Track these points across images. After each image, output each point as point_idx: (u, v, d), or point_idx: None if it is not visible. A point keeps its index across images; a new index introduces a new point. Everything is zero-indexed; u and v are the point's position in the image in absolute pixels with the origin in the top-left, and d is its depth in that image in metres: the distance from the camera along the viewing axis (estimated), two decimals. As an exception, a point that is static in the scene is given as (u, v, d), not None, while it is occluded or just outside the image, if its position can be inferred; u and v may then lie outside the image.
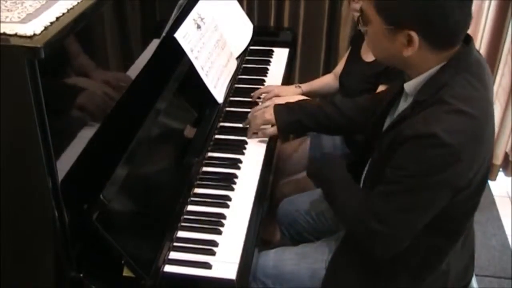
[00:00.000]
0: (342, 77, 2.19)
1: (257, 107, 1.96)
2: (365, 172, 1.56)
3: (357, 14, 1.79)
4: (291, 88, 2.21)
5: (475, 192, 1.37)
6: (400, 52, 1.31)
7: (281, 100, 1.96)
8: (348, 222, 1.49)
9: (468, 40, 1.36)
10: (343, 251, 1.58)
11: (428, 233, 1.39)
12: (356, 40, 2.16)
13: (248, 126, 1.91)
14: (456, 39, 1.31)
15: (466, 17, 1.29)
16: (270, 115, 1.83)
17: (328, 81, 2.33)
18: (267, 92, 2.11)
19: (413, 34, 1.26)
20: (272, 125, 1.85)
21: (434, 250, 1.43)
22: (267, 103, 1.97)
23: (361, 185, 1.56)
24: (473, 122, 1.27)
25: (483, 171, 1.35)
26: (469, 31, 1.36)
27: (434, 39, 1.28)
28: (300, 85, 2.27)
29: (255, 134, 1.89)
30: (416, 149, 1.26)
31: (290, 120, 1.82)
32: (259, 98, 2.12)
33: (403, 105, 1.44)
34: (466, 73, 1.31)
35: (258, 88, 2.15)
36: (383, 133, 1.44)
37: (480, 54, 1.42)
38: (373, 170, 1.42)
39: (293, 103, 1.88)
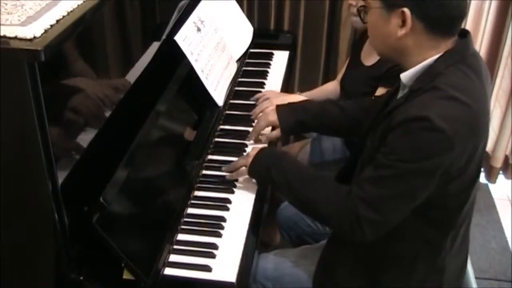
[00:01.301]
0: (343, 81, 2.20)
1: (257, 109, 1.96)
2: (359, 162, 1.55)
3: (354, 13, 1.81)
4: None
5: (467, 184, 1.37)
6: (395, 35, 1.33)
7: (281, 100, 1.96)
8: (333, 216, 1.42)
9: (465, 34, 1.37)
10: (333, 245, 1.58)
11: (419, 224, 1.39)
12: (356, 45, 2.17)
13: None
14: (451, 26, 1.33)
15: (461, 3, 1.31)
16: (273, 116, 1.83)
17: (330, 88, 2.34)
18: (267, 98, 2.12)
19: (406, 10, 1.29)
20: (275, 128, 1.85)
21: (425, 242, 1.43)
22: (265, 103, 1.98)
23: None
24: (467, 109, 1.27)
25: (476, 163, 1.35)
26: (469, 31, 1.38)
27: (427, 20, 1.30)
28: (301, 93, 2.28)
29: (257, 139, 1.89)
30: (408, 133, 1.26)
31: (293, 121, 1.82)
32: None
33: (400, 96, 1.45)
34: (461, 64, 1.32)
35: (258, 91, 2.16)
36: (378, 122, 1.44)
37: (477, 51, 1.43)
38: (366, 158, 1.41)
39: (295, 103, 1.88)
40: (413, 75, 1.36)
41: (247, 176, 1.70)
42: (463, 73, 1.31)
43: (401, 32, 1.32)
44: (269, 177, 1.59)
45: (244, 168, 1.68)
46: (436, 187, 1.30)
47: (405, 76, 1.38)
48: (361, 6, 1.44)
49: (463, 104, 1.26)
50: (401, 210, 1.34)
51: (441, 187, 1.31)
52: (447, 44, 1.33)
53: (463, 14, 1.34)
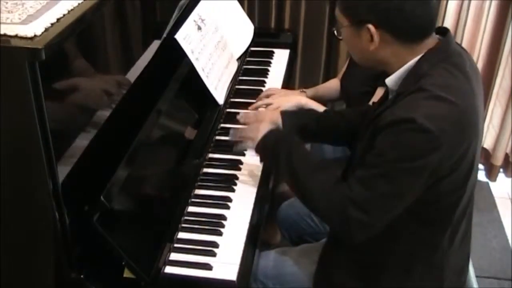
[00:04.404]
0: (343, 80, 2.21)
1: (258, 104, 1.96)
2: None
3: None
4: (296, 93, 2.21)
5: (460, 182, 1.37)
6: (368, 49, 1.35)
7: (285, 101, 1.96)
8: (326, 210, 1.42)
9: (444, 32, 1.38)
10: (330, 246, 1.58)
11: (413, 223, 1.39)
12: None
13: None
14: (421, 32, 1.34)
15: (427, 8, 1.32)
16: (277, 117, 1.81)
17: (333, 85, 2.34)
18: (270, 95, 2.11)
19: (370, 27, 1.32)
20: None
21: (420, 241, 1.43)
22: (269, 100, 1.97)
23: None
24: (453, 108, 1.27)
25: (469, 161, 1.35)
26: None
27: (396, 31, 1.32)
28: (305, 90, 2.27)
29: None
30: (394, 134, 1.27)
31: (297, 125, 1.81)
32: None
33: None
34: (444, 63, 1.33)
35: (259, 90, 2.16)
36: (366, 125, 1.44)
37: (461, 47, 1.44)
38: (356, 160, 1.42)
39: (299, 109, 1.89)
40: (398, 79, 1.37)
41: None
42: (448, 72, 1.31)
43: (372, 47, 1.34)
44: (275, 156, 1.55)
45: (249, 142, 1.64)
46: (427, 186, 1.31)
47: (390, 80, 1.40)
48: (336, 24, 1.46)
49: (448, 103, 1.27)
50: (389, 211, 1.34)
51: (432, 185, 1.31)
52: (426, 45, 1.35)
53: (430, 19, 1.35)
